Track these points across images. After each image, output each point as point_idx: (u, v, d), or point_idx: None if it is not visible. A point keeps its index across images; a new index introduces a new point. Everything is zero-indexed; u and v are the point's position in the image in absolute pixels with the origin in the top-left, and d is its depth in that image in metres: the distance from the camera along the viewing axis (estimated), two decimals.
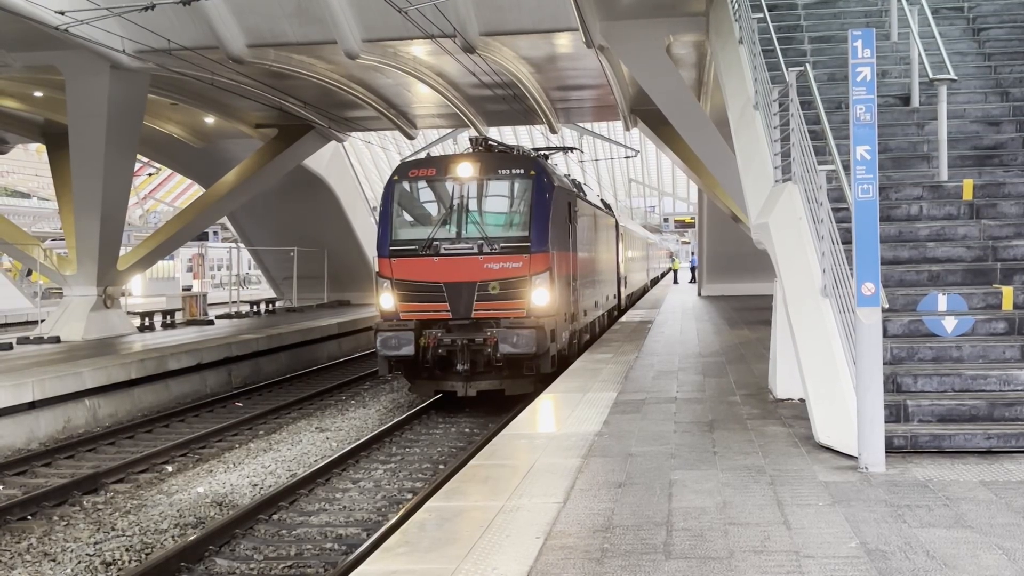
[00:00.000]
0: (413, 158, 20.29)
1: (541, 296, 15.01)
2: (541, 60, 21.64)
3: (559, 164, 26.91)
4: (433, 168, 15.87)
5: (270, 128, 27.90)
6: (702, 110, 19.80)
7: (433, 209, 15.92)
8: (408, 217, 15.93)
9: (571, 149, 26.79)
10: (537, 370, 15.04)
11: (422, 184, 15.96)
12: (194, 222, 26.95)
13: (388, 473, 12.02)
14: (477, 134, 19.92)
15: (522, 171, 15.64)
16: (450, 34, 17.37)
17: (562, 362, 15.69)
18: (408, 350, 14.76)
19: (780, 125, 9.82)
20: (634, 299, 35.03)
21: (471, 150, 16.89)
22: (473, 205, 15.56)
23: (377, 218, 20.35)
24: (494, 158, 16.13)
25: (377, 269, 15.83)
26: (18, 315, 32.92)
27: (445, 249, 15.20)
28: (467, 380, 15.22)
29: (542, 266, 15.08)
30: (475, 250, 15.14)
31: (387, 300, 15.40)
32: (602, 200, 28.47)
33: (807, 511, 6.01)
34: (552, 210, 15.46)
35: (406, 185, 15.91)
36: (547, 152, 21.73)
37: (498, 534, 5.76)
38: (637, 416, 9.64)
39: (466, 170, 15.54)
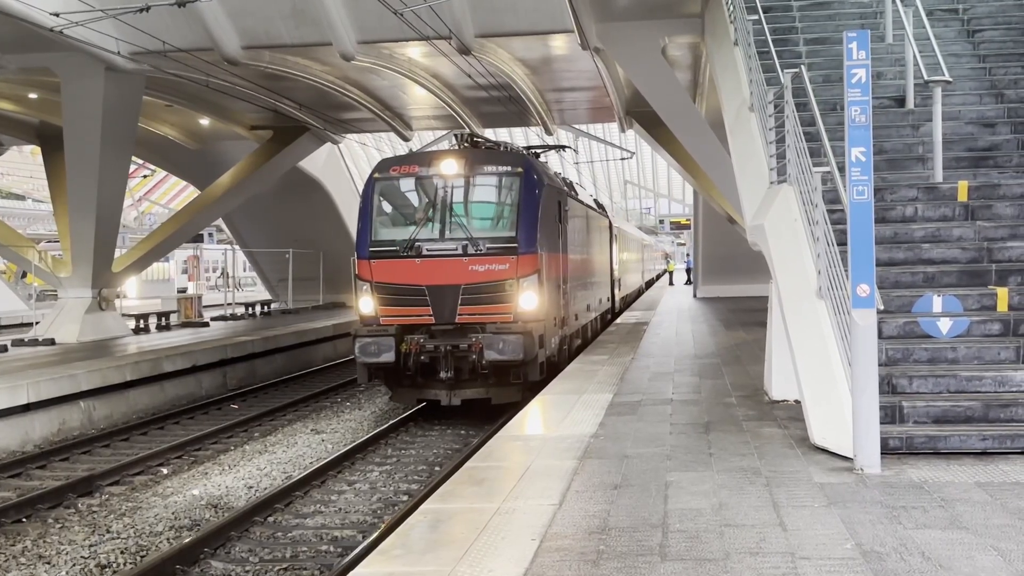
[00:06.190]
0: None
1: (529, 300, 14.31)
2: (537, 62, 21.64)
3: (554, 165, 26.71)
4: (415, 164, 15.10)
5: (265, 130, 27.88)
6: (698, 112, 19.79)
7: (415, 208, 15.08)
8: (389, 216, 15.15)
9: (563, 148, 26.15)
10: (525, 378, 14.32)
11: (404, 181, 15.17)
12: (189, 224, 26.91)
13: (383, 475, 12.00)
14: (465, 130, 19.65)
15: (509, 168, 14.92)
16: (445, 36, 17.35)
17: (551, 369, 15.09)
18: (388, 357, 14.00)
19: (775, 127, 9.83)
20: (628, 302, 34.95)
21: (456, 146, 16.27)
22: (458, 203, 14.74)
23: None
24: (480, 154, 15.43)
25: (356, 271, 15.10)
26: (13, 317, 32.86)
27: (428, 250, 14.40)
28: (451, 388, 14.39)
29: (530, 268, 14.37)
30: (459, 251, 14.35)
31: (366, 304, 14.63)
32: (596, 200, 28.22)
33: (803, 512, 6.01)
34: (541, 209, 14.80)
35: (387, 182, 15.16)
36: (539, 151, 21.08)
37: (494, 536, 5.75)
38: (633, 418, 9.64)
39: (450, 167, 14.72)
